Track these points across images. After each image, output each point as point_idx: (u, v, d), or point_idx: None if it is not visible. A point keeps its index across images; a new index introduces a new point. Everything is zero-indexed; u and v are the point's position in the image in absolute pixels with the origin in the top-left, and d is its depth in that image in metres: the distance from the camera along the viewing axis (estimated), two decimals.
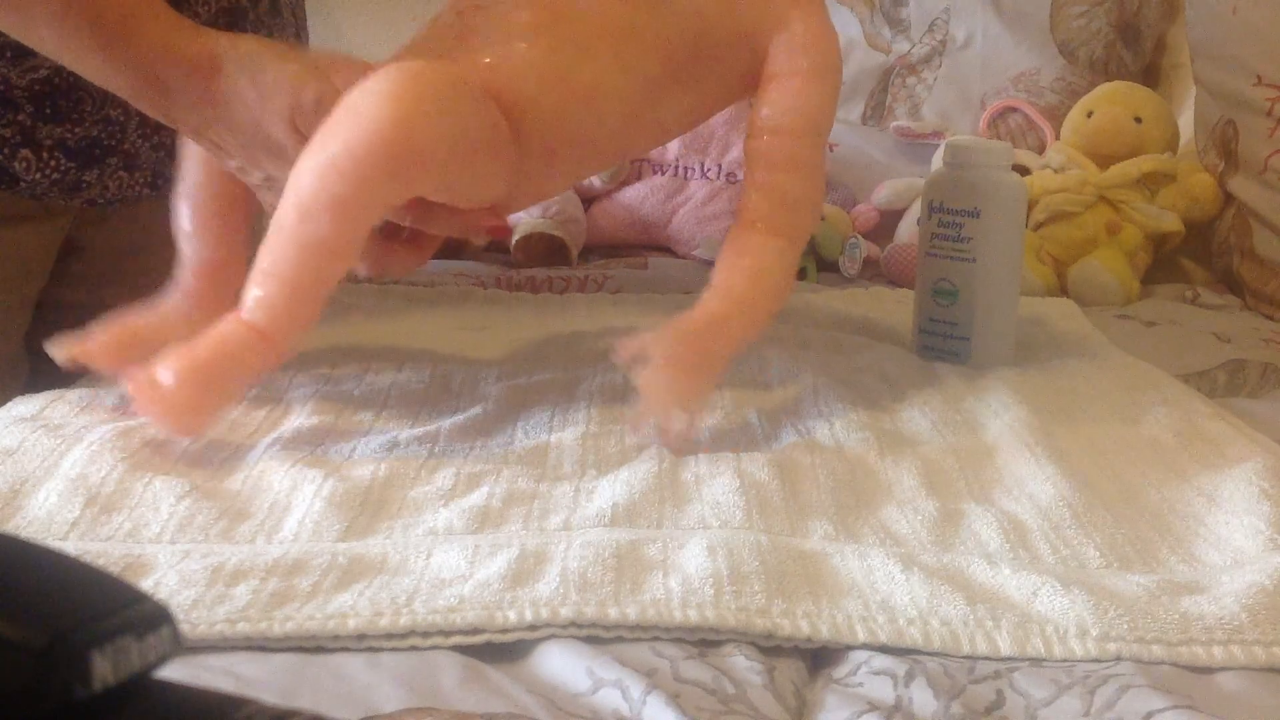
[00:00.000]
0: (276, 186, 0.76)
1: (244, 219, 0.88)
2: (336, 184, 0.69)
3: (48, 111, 0.94)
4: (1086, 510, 0.70)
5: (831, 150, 1.59)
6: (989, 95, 1.60)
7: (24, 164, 0.94)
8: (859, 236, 1.43)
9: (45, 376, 0.96)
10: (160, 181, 1.05)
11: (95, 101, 0.96)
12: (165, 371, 0.71)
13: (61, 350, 0.82)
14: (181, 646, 0.31)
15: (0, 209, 0.97)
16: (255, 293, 0.72)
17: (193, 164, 0.86)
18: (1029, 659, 0.56)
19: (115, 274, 1.10)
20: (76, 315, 1.10)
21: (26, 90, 0.93)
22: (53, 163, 0.96)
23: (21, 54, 0.89)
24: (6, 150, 0.94)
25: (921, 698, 0.53)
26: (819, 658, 0.58)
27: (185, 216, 0.87)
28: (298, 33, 1.12)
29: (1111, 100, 1.48)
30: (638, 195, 1.53)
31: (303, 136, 0.74)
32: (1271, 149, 1.33)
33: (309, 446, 0.79)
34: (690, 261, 1.47)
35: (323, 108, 0.73)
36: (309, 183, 0.70)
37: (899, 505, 0.71)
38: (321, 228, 0.70)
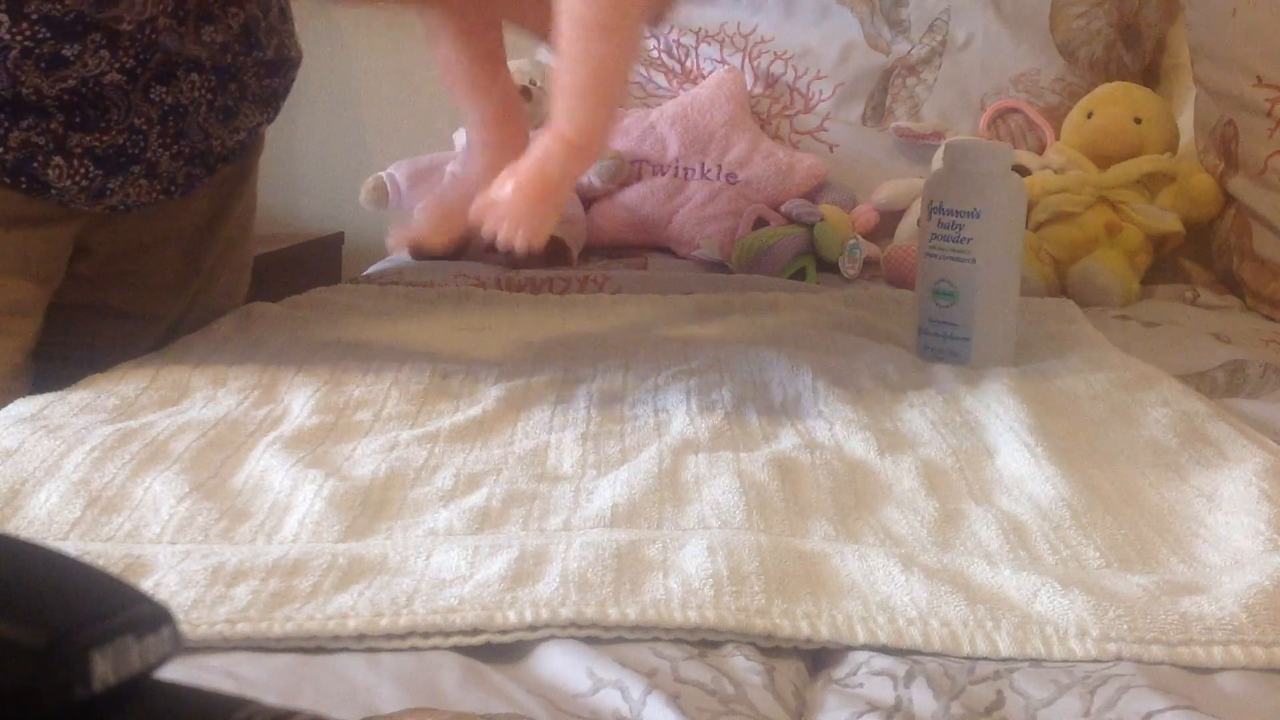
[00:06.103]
0: None
1: (503, 66, 0.97)
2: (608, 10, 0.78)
3: (77, 120, 0.96)
4: (1086, 511, 0.70)
5: (831, 151, 1.59)
6: (989, 96, 1.60)
7: (56, 171, 0.97)
8: (859, 237, 1.43)
9: (50, 379, 0.96)
10: (175, 189, 1.05)
11: (121, 111, 0.98)
12: (503, 188, 0.77)
13: (398, 243, 0.84)
14: (181, 647, 0.31)
15: (20, 211, 0.98)
16: (561, 110, 0.79)
17: (443, 42, 0.93)
18: (1029, 659, 0.56)
19: (117, 275, 1.10)
20: (78, 316, 1.10)
21: (57, 99, 0.94)
22: (81, 170, 0.98)
23: (53, 65, 0.91)
24: (40, 158, 0.96)
25: (921, 698, 0.53)
26: (819, 658, 0.58)
27: (458, 84, 0.94)
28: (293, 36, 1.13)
29: (1111, 101, 1.48)
30: (638, 195, 1.53)
31: None
32: (1271, 149, 1.33)
33: (309, 446, 0.79)
34: (690, 261, 1.46)
35: None
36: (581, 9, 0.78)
37: (899, 506, 0.71)
38: (605, 45, 0.78)
